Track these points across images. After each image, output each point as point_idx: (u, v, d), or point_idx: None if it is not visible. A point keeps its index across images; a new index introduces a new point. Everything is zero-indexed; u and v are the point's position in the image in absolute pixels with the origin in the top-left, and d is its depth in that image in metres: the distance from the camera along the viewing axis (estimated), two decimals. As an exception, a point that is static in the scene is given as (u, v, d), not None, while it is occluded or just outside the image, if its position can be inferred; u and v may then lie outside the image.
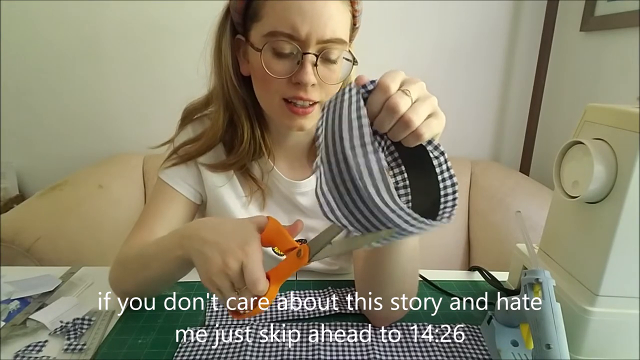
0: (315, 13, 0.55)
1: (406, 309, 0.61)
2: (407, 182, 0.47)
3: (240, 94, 0.65)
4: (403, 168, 0.47)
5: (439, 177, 0.44)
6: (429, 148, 0.44)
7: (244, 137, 0.66)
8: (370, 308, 0.61)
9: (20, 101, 1.55)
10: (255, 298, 0.46)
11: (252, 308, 0.47)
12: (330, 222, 0.38)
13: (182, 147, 0.69)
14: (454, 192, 0.43)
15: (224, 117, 0.66)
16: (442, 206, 0.43)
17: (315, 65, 0.57)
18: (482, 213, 1.39)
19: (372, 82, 0.39)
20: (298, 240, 0.65)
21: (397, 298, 0.59)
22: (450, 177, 0.44)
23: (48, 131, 1.59)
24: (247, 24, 0.60)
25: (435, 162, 0.44)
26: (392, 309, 0.59)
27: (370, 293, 0.59)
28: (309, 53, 0.56)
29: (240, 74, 0.65)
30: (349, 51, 0.60)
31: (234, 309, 0.47)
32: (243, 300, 0.46)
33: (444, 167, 0.44)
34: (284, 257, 0.48)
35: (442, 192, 0.44)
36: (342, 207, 0.37)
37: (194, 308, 0.64)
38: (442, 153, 0.44)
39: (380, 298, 0.58)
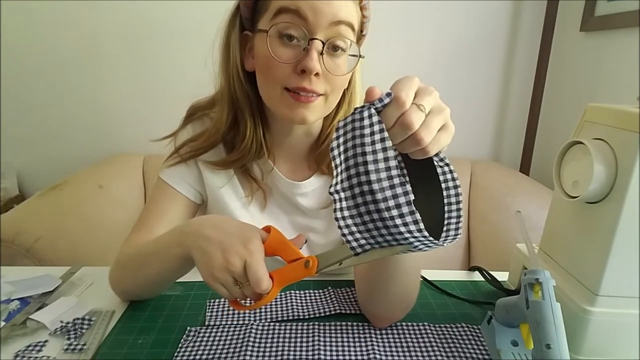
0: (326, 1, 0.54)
1: (407, 309, 0.61)
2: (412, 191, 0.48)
3: (245, 90, 0.64)
4: (408, 178, 0.48)
5: (443, 185, 0.45)
6: (435, 159, 0.45)
7: (247, 134, 0.66)
8: (370, 308, 0.61)
9: (20, 101, 1.55)
10: (257, 295, 0.47)
11: (252, 302, 0.48)
12: (351, 248, 0.39)
13: (183, 146, 0.69)
14: (458, 203, 0.45)
15: (228, 113, 0.65)
16: (446, 220, 0.45)
17: (322, 54, 0.56)
18: (482, 213, 1.39)
19: (388, 94, 0.38)
20: None
21: (398, 298, 0.59)
22: (455, 187, 0.45)
23: (48, 131, 1.59)
24: (255, 17, 0.60)
25: (439, 171, 0.45)
26: (393, 309, 0.59)
27: (371, 293, 0.59)
28: (316, 38, 0.55)
29: (245, 70, 0.64)
30: (355, 45, 0.59)
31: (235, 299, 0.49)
32: (245, 296, 0.47)
33: (449, 176, 0.45)
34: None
35: (445, 201, 0.45)
36: (365, 232, 0.38)
37: (194, 308, 0.64)
38: (447, 164, 0.45)
39: (381, 298, 0.58)
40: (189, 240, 0.51)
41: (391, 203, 0.35)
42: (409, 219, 0.36)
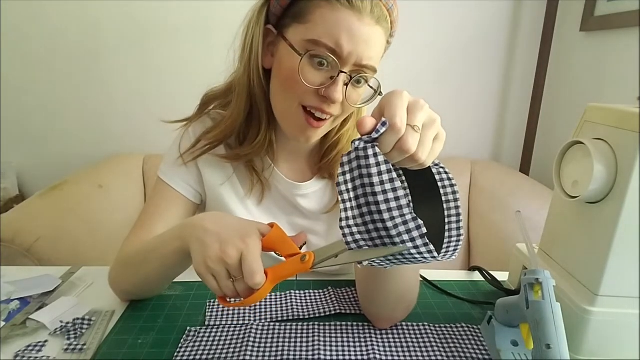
0: (362, 36, 0.55)
1: (408, 309, 0.61)
2: (410, 195, 0.49)
3: (263, 86, 0.64)
4: (406, 184, 0.49)
5: (439, 185, 0.46)
6: (430, 164, 0.46)
7: (261, 130, 0.66)
8: (372, 308, 0.61)
9: (21, 101, 1.55)
10: (248, 290, 0.46)
11: (242, 299, 0.47)
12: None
13: (199, 141, 0.68)
14: (456, 200, 0.46)
15: (245, 106, 0.65)
16: (447, 219, 0.46)
17: (346, 85, 0.58)
18: (482, 213, 1.39)
19: (383, 124, 0.39)
20: None
21: (399, 297, 0.59)
22: (452, 185, 0.47)
23: (48, 131, 1.59)
24: (286, 20, 0.59)
25: (434, 170, 0.46)
26: (394, 308, 0.59)
27: (371, 293, 0.59)
28: (344, 72, 0.57)
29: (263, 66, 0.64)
30: (377, 79, 0.61)
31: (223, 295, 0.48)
32: (235, 291, 0.47)
33: (444, 175, 0.47)
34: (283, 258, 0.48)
35: (443, 199, 0.46)
36: (373, 247, 0.40)
37: (194, 308, 0.64)
38: (443, 167, 0.47)
39: (382, 297, 0.58)
40: (188, 232, 0.51)
41: (405, 237, 0.38)
42: (423, 249, 0.38)
